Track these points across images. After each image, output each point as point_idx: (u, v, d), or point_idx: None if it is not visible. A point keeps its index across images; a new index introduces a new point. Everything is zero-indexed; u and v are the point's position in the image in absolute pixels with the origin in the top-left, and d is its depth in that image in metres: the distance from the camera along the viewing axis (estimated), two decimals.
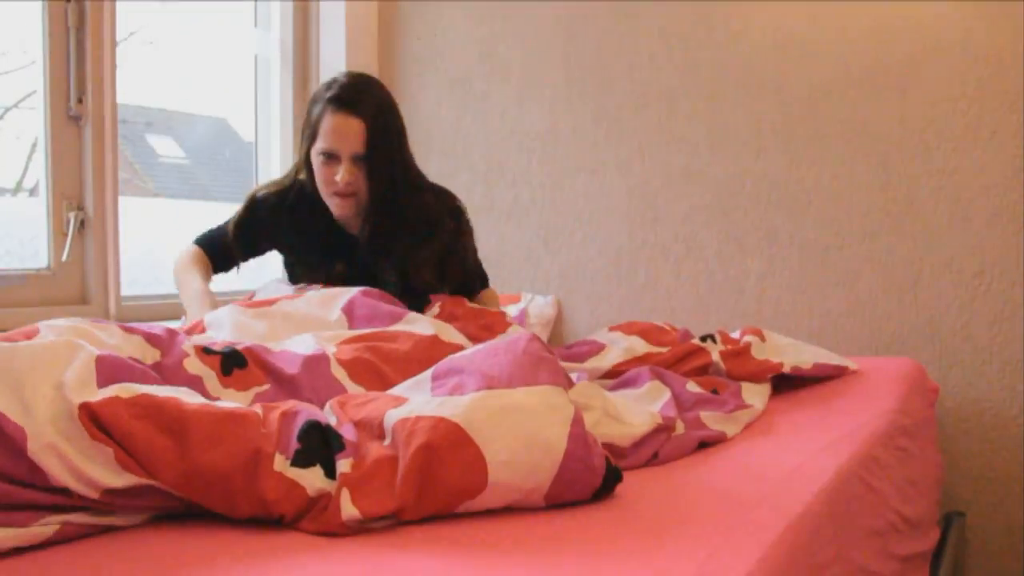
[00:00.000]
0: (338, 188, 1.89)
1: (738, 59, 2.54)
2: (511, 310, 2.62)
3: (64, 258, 2.18)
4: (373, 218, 1.95)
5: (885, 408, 1.77)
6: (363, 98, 1.90)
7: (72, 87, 2.19)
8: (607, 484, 1.15)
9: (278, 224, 2.05)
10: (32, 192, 2.34)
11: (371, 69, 2.98)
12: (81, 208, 2.23)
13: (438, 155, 2.92)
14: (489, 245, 2.24)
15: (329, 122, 1.88)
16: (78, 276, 2.23)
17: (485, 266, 2.16)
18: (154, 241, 2.63)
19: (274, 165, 2.91)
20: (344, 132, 1.87)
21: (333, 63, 2.91)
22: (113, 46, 2.26)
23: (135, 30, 2.55)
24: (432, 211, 2.00)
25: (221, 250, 2.07)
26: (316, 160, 1.92)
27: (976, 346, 2.30)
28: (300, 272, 2.05)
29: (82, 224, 2.22)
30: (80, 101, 2.20)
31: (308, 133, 1.93)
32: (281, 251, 2.13)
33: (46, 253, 2.20)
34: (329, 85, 1.93)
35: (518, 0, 2.83)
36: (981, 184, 2.30)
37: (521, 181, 2.85)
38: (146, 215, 2.64)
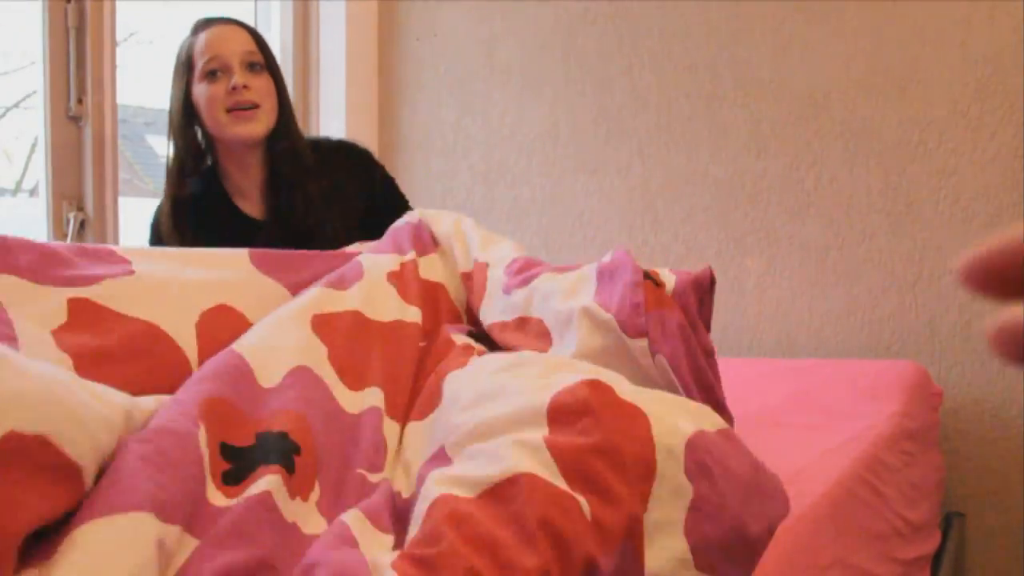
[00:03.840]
0: (235, 97, 1.65)
1: (738, 59, 2.54)
2: None
3: None
4: (275, 167, 1.69)
5: (890, 412, 1.76)
6: (237, 20, 1.72)
7: (72, 87, 2.19)
8: None
9: (184, 235, 1.77)
10: (32, 192, 2.34)
11: (371, 69, 2.98)
12: (81, 208, 2.23)
13: (438, 155, 2.91)
14: None
15: (206, 36, 1.67)
16: None
17: None
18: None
19: None
20: (228, 37, 1.68)
21: (333, 63, 2.91)
22: (113, 46, 2.25)
23: (135, 30, 2.55)
24: (343, 152, 1.78)
25: None
26: (200, 90, 1.67)
27: (976, 346, 2.30)
28: None
29: (82, 224, 2.22)
30: (80, 101, 2.20)
31: (181, 70, 1.70)
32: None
33: None
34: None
35: (518, 0, 2.83)
36: (981, 184, 2.30)
37: (521, 181, 2.85)
38: (146, 215, 2.64)
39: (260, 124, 1.72)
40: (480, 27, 2.89)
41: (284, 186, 1.75)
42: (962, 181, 2.32)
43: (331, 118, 2.92)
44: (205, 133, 1.75)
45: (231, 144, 1.75)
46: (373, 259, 1.36)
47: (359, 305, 1.23)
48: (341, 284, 1.27)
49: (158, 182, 2.90)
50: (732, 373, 2.20)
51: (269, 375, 1.05)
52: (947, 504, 2.26)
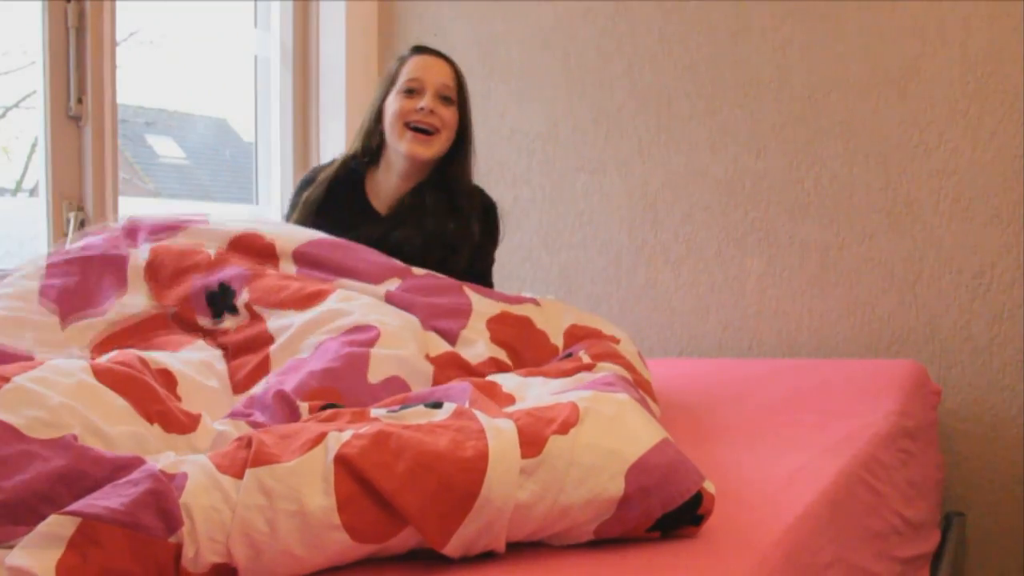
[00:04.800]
0: (418, 117, 1.82)
1: (738, 59, 2.54)
2: None
3: None
4: (416, 186, 1.90)
5: (888, 410, 1.77)
6: (448, 57, 1.92)
7: (72, 87, 2.19)
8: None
9: (315, 190, 1.96)
10: (32, 192, 2.34)
11: (371, 69, 2.98)
12: (81, 208, 2.23)
13: None
14: None
15: (416, 61, 1.87)
16: None
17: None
18: None
19: (274, 165, 2.91)
20: (432, 66, 1.87)
21: (333, 63, 2.91)
22: (113, 46, 2.25)
23: (135, 30, 2.55)
24: (474, 198, 1.96)
25: None
26: (394, 100, 1.86)
27: (976, 346, 2.30)
28: None
29: (82, 224, 2.22)
30: (80, 101, 2.20)
31: (386, 82, 1.90)
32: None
33: (46, 253, 2.20)
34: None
35: (518, 0, 2.83)
36: (981, 184, 2.30)
37: (521, 181, 2.85)
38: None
39: (431, 149, 1.87)
40: (480, 27, 2.89)
41: (416, 207, 1.91)
42: (962, 181, 2.32)
43: (331, 118, 2.92)
44: (379, 141, 1.93)
45: (399, 157, 1.90)
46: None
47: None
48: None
49: (158, 182, 2.91)
50: (732, 373, 2.21)
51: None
52: (947, 504, 2.26)
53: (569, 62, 2.76)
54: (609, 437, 1.04)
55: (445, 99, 1.87)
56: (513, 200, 2.84)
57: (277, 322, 1.53)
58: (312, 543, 0.91)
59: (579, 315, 1.80)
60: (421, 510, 0.93)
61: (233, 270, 1.62)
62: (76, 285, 1.58)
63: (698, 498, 1.03)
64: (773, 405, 1.86)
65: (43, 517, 0.86)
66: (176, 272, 1.64)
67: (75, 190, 2.22)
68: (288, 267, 1.70)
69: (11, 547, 0.86)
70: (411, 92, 1.85)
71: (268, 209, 2.86)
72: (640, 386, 1.48)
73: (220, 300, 1.59)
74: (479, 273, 1.98)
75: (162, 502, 0.89)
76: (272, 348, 1.50)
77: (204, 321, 1.59)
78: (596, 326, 1.75)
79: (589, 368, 1.48)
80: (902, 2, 2.37)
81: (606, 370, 1.47)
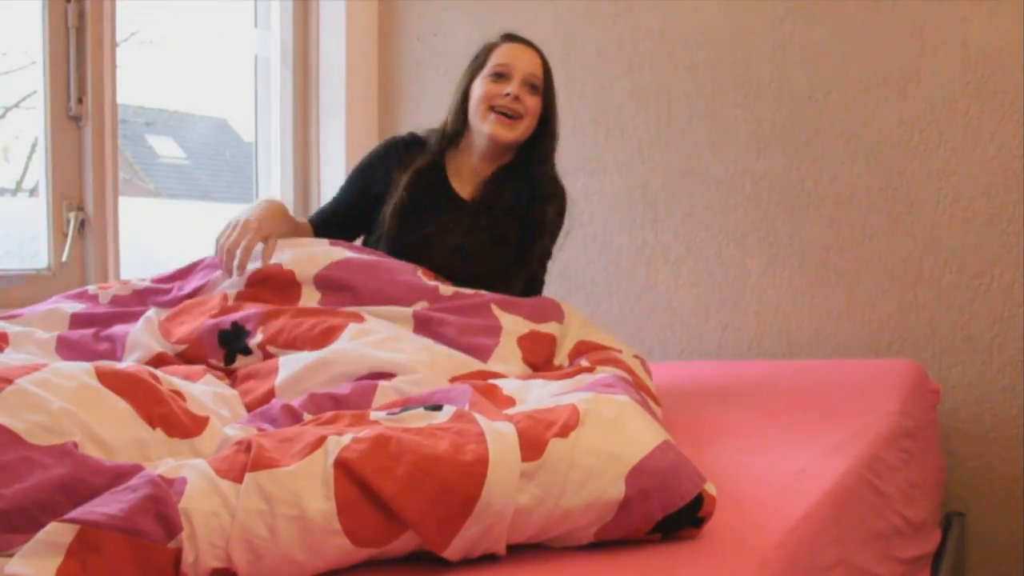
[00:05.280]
0: (505, 102, 1.87)
1: (738, 59, 2.54)
2: None
3: (64, 258, 2.18)
4: (498, 170, 1.95)
5: (888, 410, 1.77)
6: (537, 47, 1.96)
7: (72, 87, 2.19)
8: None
9: (394, 157, 1.99)
10: (32, 192, 2.34)
11: (371, 69, 2.98)
12: (81, 208, 2.22)
13: None
14: None
15: (506, 47, 1.92)
16: (78, 276, 2.23)
17: None
18: (154, 241, 2.63)
19: (274, 165, 2.91)
20: (522, 54, 1.91)
21: (333, 63, 2.91)
22: (113, 46, 2.25)
23: (135, 30, 2.55)
24: (556, 185, 2.01)
25: (327, 219, 2.00)
26: (481, 83, 1.91)
27: (976, 346, 2.30)
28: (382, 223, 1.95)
29: (82, 224, 2.22)
30: (80, 101, 2.20)
31: (474, 65, 1.94)
32: (379, 194, 2.00)
33: (46, 253, 2.20)
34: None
35: (518, 0, 2.83)
36: (981, 184, 2.30)
37: None
38: (146, 215, 2.64)
39: (514, 132, 1.91)
40: (480, 27, 2.88)
41: (500, 185, 1.96)
42: (962, 181, 2.32)
43: (331, 118, 2.92)
44: (462, 123, 1.98)
45: (482, 139, 1.94)
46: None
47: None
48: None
49: (158, 182, 2.90)
50: (732, 373, 2.21)
51: None
52: (947, 504, 2.26)
53: (569, 62, 2.76)
54: (609, 440, 1.04)
55: (531, 87, 1.91)
56: None
57: (288, 360, 1.48)
58: (312, 548, 0.91)
59: (588, 331, 1.79)
60: (421, 515, 0.93)
61: (250, 310, 1.58)
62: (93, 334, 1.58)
63: (699, 500, 1.03)
64: (773, 405, 1.86)
65: (42, 526, 0.86)
66: (186, 311, 1.62)
67: (75, 190, 2.22)
68: (311, 294, 1.67)
69: (10, 556, 0.86)
70: (499, 77, 1.90)
71: None
72: (640, 389, 1.48)
73: (233, 340, 1.54)
74: (540, 259, 2.03)
75: (161, 507, 0.88)
76: (277, 381, 1.43)
77: (215, 363, 1.53)
78: (599, 340, 1.75)
79: (590, 371, 1.48)
80: (902, 2, 2.37)
81: (606, 372, 1.47)
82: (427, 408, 1.13)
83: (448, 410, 1.11)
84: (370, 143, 2.65)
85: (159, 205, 2.84)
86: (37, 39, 2.16)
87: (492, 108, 1.89)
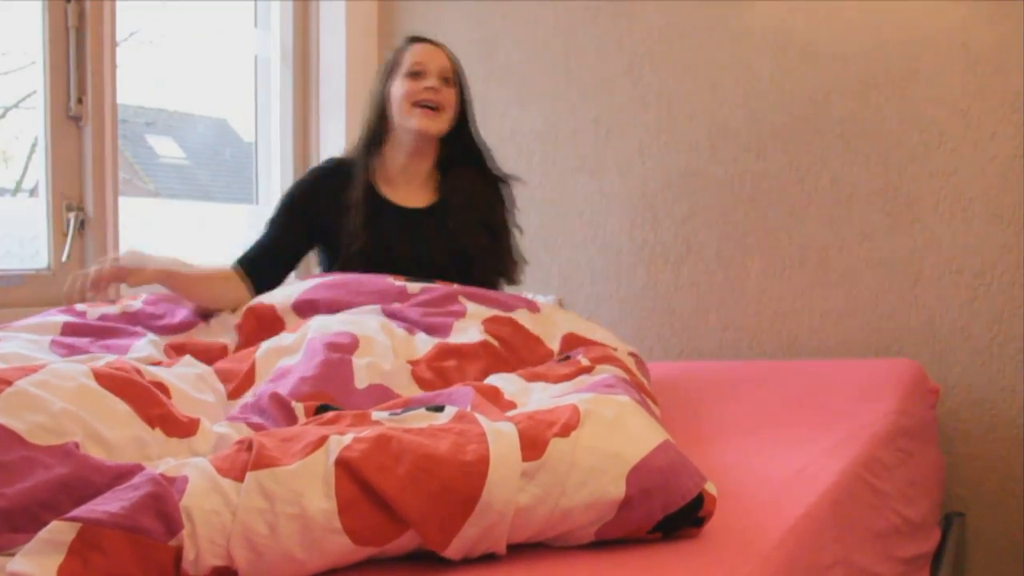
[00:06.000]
0: (426, 96, 1.97)
1: (738, 59, 2.54)
2: None
3: (64, 258, 2.18)
4: (444, 159, 2.05)
5: (886, 409, 1.77)
6: (442, 44, 2.07)
7: (72, 87, 2.19)
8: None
9: (332, 183, 2.03)
10: (32, 192, 2.34)
11: (371, 69, 2.97)
12: (81, 208, 2.22)
13: None
14: None
15: (416, 49, 2.02)
16: None
17: None
18: (154, 241, 2.63)
19: (274, 165, 2.91)
20: (432, 54, 2.02)
21: (333, 63, 2.91)
22: (113, 46, 2.25)
23: (135, 30, 2.55)
24: (492, 159, 2.14)
25: (259, 256, 2.00)
26: (400, 83, 2.00)
27: (976, 346, 2.30)
28: (342, 254, 1.99)
29: (82, 224, 2.22)
30: (80, 101, 2.20)
31: (386, 69, 2.04)
32: (322, 224, 2.03)
33: (46, 253, 2.20)
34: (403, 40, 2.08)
35: (518, 0, 2.83)
36: (981, 184, 2.30)
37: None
38: (146, 215, 2.64)
39: (439, 123, 2.01)
40: (480, 27, 2.89)
41: (446, 180, 2.07)
42: (962, 181, 2.32)
43: (331, 118, 2.92)
44: (383, 126, 2.05)
45: (409, 135, 2.02)
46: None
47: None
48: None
49: (158, 182, 2.90)
50: (732, 373, 2.21)
51: None
52: (947, 504, 2.26)
53: (569, 62, 2.76)
54: (610, 439, 1.04)
55: (446, 80, 2.02)
56: None
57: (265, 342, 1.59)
58: (313, 546, 0.91)
59: (578, 323, 1.82)
60: (422, 514, 0.93)
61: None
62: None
63: (699, 500, 1.04)
64: (773, 405, 1.86)
65: (44, 524, 0.86)
66: (193, 353, 1.66)
67: (75, 190, 2.22)
68: (293, 322, 1.72)
69: (12, 555, 0.86)
70: (415, 75, 1.99)
71: (268, 209, 2.85)
72: (639, 389, 1.48)
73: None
74: (508, 233, 2.13)
75: (162, 505, 0.89)
76: (258, 354, 1.52)
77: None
78: (592, 336, 1.76)
79: (588, 371, 1.48)
80: (902, 2, 2.37)
81: (606, 372, 1.48)
82: (429, 409, 1.14)
83: (450, 411, 1.11)
84: None
85: (159, 205, 2.84)
86: (37, 39, 2.16)
87: (415, 104, 1.98)
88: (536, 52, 2.81)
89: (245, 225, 2.73)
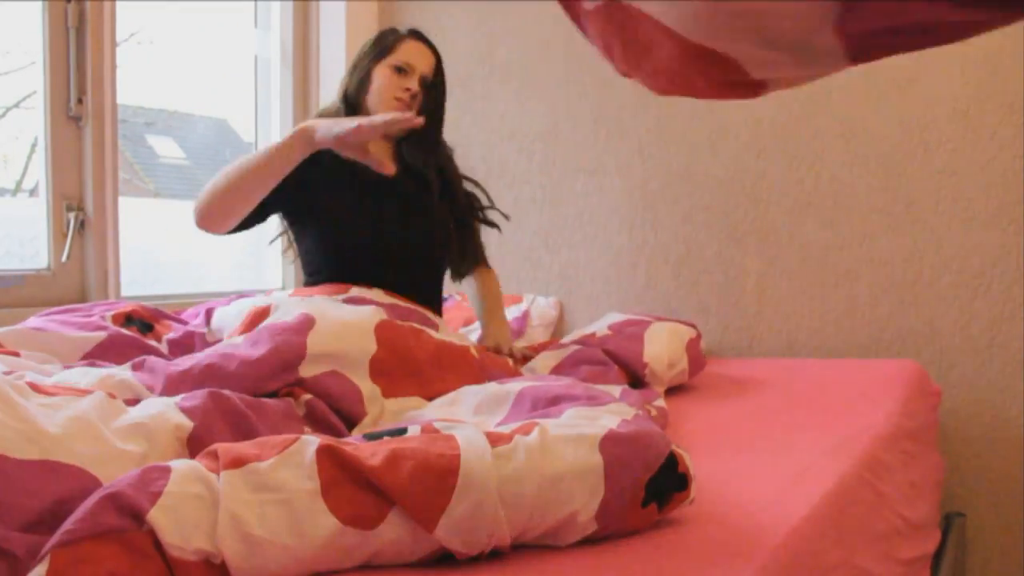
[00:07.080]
0: (405, 97, 2.00)
1: None
2: (513, 311, 2.62)
3: (64, 258, 2.18)
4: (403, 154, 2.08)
5: (888, 411, 1.77)
6: (435, 47, 2.11)
7: (72, 87, 2.19)
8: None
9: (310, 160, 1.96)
10: (32, 192, 2.34)
11: None
12: (81, 208, 2.22)
13: None
14: (489, 246, 2.24)
15: (410, 44, 2.06)
16: (78, 276, 2.23)
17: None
18: (154, 241, 2.63)
19: None
20: (422, 54, 2.05)
21: (333, 63, 2.91)
22: (113, 46, 2.25)
23: (135, 30, 2.55)
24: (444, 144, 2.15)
25: None
26: (384, 72, 2.02)
27: (976, 346, 2.30)
28: (335, 219, 1.98)
29: (82, 224, 2.22)
30: (80, 101, 2.20)
31: (378, 51, 2.05)
32: (319, 175, 1.98)
33: (46, 253, 2.20)
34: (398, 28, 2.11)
35: (518, 0, 2.83)
36: (981, 184, 2.30)
37: (521, 181, 2.85)
38: (146, 215, 2.64)
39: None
40: (480, 27, 2.89)
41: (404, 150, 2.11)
42: (962, 181, 2.32)
43: None
44: (360, 99, 2.06)
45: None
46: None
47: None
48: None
49: (158, 182, 2.90)
50: (732, 373, 2.21)
51: None
52: (947, 504, 2.26)
53: (569, 62, 2.76)
54: (571, 429, 1.08)
55: (425, 82, 2.06)
56: (513, 200, 2.84)
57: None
58: (300, 531, 0.91)
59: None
60: (403, 488, 0.95)
61: None
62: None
63: (674, 457, 1.08)
64: (773, 406, 1.86)
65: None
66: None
67: (75, 190, 2.22)
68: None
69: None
70: (401, 71, 2.02)
71: None
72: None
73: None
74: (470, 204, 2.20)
75: (119, 500, 0.88)
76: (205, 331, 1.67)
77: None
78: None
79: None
80: None
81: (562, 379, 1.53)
82: (392, 434, 1.13)
83: (414, 428, 1.13)
84: None
85: (159, 205, 2.84)
86: (37, 39, 2.16)
87: (394, 99, 2.01)
88: (536, 52, 2.81)
89: None
